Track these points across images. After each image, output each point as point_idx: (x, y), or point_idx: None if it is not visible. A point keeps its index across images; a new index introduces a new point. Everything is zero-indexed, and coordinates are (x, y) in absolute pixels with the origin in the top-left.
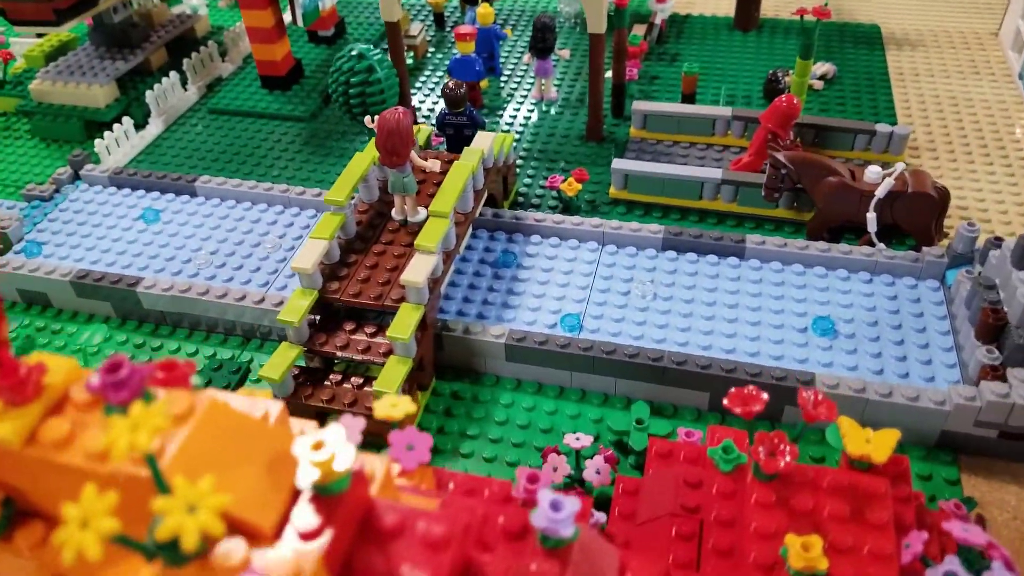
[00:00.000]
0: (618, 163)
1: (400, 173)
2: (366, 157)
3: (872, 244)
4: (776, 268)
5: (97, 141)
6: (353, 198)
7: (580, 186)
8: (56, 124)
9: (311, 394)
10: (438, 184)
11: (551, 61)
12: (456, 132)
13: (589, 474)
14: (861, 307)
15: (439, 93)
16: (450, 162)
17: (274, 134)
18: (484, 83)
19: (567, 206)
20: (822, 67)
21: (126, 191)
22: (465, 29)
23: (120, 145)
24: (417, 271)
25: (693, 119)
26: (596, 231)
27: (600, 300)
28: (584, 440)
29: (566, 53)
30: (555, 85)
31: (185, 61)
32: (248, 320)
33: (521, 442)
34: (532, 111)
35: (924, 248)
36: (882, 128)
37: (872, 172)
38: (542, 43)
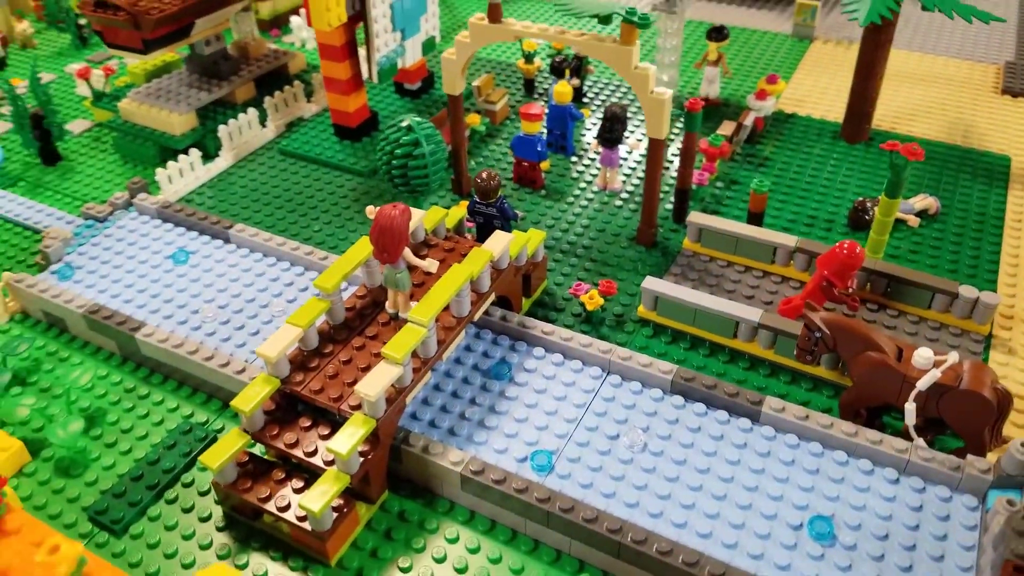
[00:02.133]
0: (649, 282)
1: (394, 269)
2: (365, 246)
3: (909, 438)
4: (790, 442)
5: (159, 170)
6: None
7: (603, 300)
8: (135, 145)
9: (250, 488)
10: None
11: (619, 152)
12: (486, 221)
13: None
14: (875, 512)
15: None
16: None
17: (331, 184)
18: (546, 164)
19: (589, 317)
20: (923, 200)
21: (169, 226)
22: (533, 109)
23: (184, 176)
24: (373, 383)
25: (752, 243)
26: (603, 357)
27: (583, 439)
28: None
29: (640, 147)
30: (623, 176)
31: (267, 99)
32: (228, 388)
33: None
34: (591, 200)
35: (969, 456)
36: (967, 291)
37: (921, 356)
38: (609, 133)
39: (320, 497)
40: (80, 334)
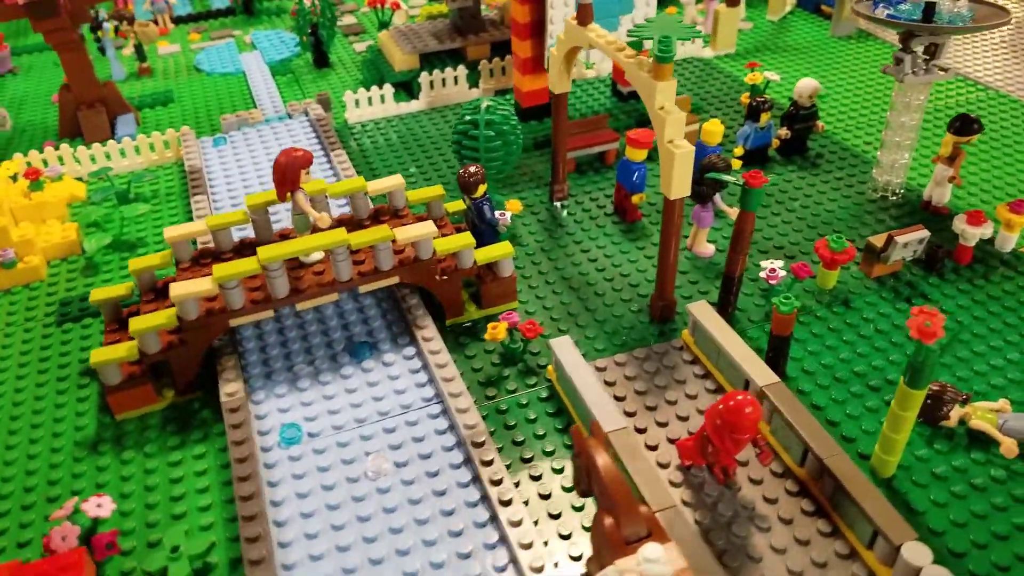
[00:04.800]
0: (561, 347)
1: (295, 210)
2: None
3: None
4: None
5: (348, 92)
6: None
7: (506, 335)
8: (369, 71)
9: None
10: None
11: (711, 211)
12: (470, 218)
13: None
14: None
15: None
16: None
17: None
18: (637, 198)
19: (510, 353)
20: None
21: (312, 136)
22: (638, 134)
23: (372, 105)
24: (185, 286)
25: (728, 365)
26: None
27: (345, 440)
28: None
29: (733, 213)
30: (712, 242)
31: (483, 62)
32: None
33: None
34: (642, 249)
35: None
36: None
37: (646, 555)
38: (698, 186)
39: (109, 352)
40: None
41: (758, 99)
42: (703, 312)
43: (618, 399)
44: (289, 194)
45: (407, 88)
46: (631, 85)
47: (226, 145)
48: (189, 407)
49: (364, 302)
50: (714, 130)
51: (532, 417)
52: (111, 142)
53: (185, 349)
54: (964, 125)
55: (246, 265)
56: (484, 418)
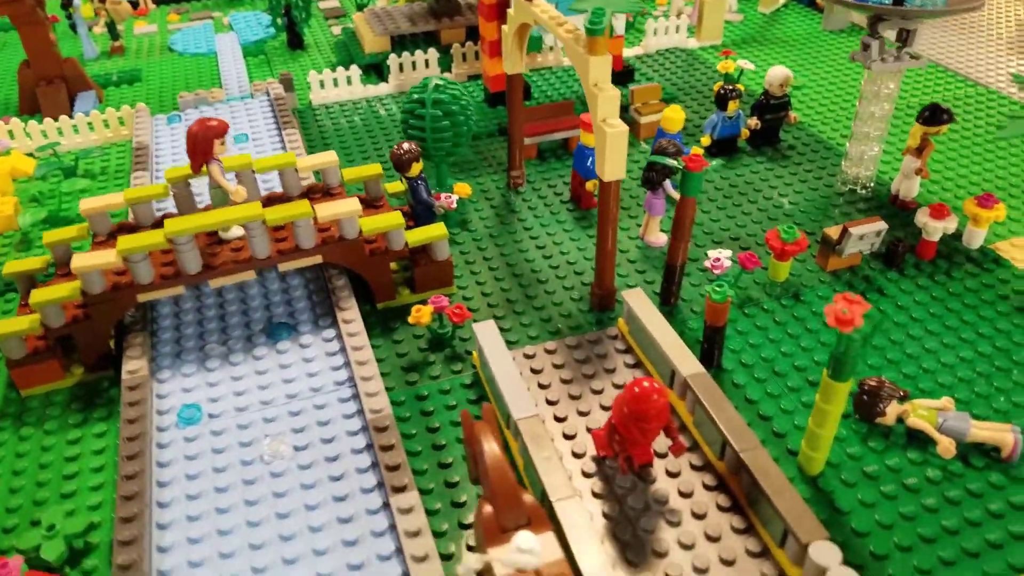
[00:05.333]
0: (483, 331)
1: (211, 184)
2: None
3: None
4: None
5: (312, 72)
6: None
7: (430, 319)
8: (342, 53)
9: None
10: None
11: (663, 198)
12: (408, 199)
13: None
14: None
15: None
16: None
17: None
18: (592, 184)
19: (439, 339)
20: None
21: (269, 116)
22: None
23: (337, 87)
24: (86, 257)
25: (659, 356)
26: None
27: (246, 422)
28: None
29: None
30: (665, 231)
31: (455, 46)
32: None
33: None
34: (624, 250)
35: None
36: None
37: (519, 544)
38: (648, 171)
39: (10, 324)
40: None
41: (726, 87)
42: (637, 300)
43: (542, 387)
44: (205, 167)
45: (379, 71)
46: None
47: (180, 123)
48: (98, 385)
49: (291, 282)
50: (674, 116)
51: (452, 404)
52: (63, 118)
53: (91, 324)
54: (933, 115)
55: (152, 238)
56: (401, 404)
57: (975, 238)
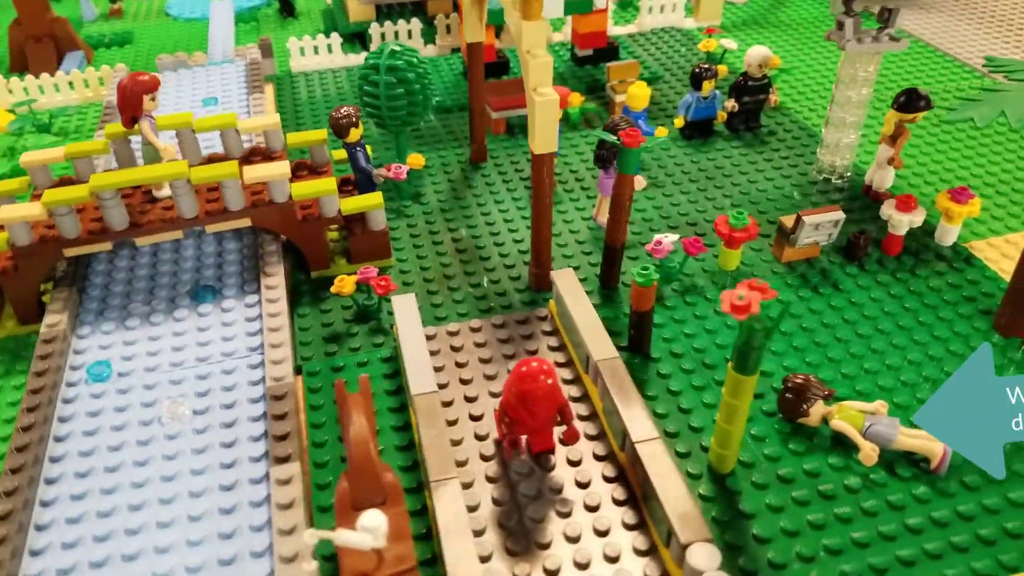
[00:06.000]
0: (402, 304)
1: (143, 140)
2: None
3: None
4: None
5: (292, 39)
6: None
7: (353, 289)
8: (328, 21)
9: None
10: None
11: (615, 177)
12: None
13: None
14: None
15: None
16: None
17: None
18: None
19: (364, 311)
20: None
21: (242, 79)
22: None
23: (318, 54)
24: (9, 208)
25: (575, 339)
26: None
27: (151, 382)
28: None
29: (640, 180)
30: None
31: (440, 17)
32: None
33: None
34: (575, 231)
35: None
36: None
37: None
38: (600, 149)
39: None
40: None
41: (701, 65)
42: (565, 280)
43: (459, 365)
44: (137, 124)
45: (363, 40)
46: (587, 49)
47: None
48: (28, 339)
49: (227, 246)
50: (639, 94)
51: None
52: (44, 75)
53: (19, 276)
54: (909, 100)
55: (76, 192)
56: (316, 374)
57: (948, 235)
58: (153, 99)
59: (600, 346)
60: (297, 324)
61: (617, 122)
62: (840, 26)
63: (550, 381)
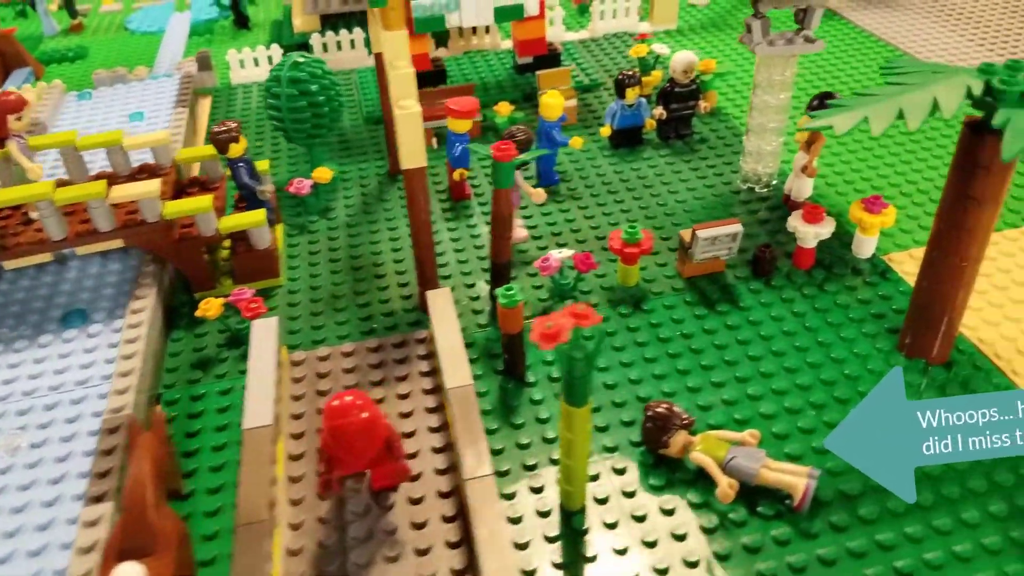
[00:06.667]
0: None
1: (12, 161)
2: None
3: None
4: None
5: (231, 51)
6: None
7: (219, 311)
8: (274, 30)
9: None
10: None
11: (516, 190)
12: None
13: None
14: None
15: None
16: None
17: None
18: (458, 173)
19: (236, 335)
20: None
21: (173, 93)
22: (459, 103)
23: (258, 66)
24: None
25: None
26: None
27: None
28: None
29: (540, 193)
30: (527, 225)
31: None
32: None
33: None
34: (480, 246)
35: None
36: None
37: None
38: None
39: None
40: None
41: (624, 73)
42: (438, 301)
43: (320, 393)
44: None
45: (308, 50)
46: (527, 56)
47: (90, 100)
48: None
49: (110, 267)
50: (552, 103)
51: (224, 407)
52: None
53: None
54: (822, 105)
55: None
56: (174, 403)
57: (864, 246)
58: (19, 119)
59: (454, 372)
60: (169, 349)
61: (514, 132)
62: (749, 29)
63: (365, 415)
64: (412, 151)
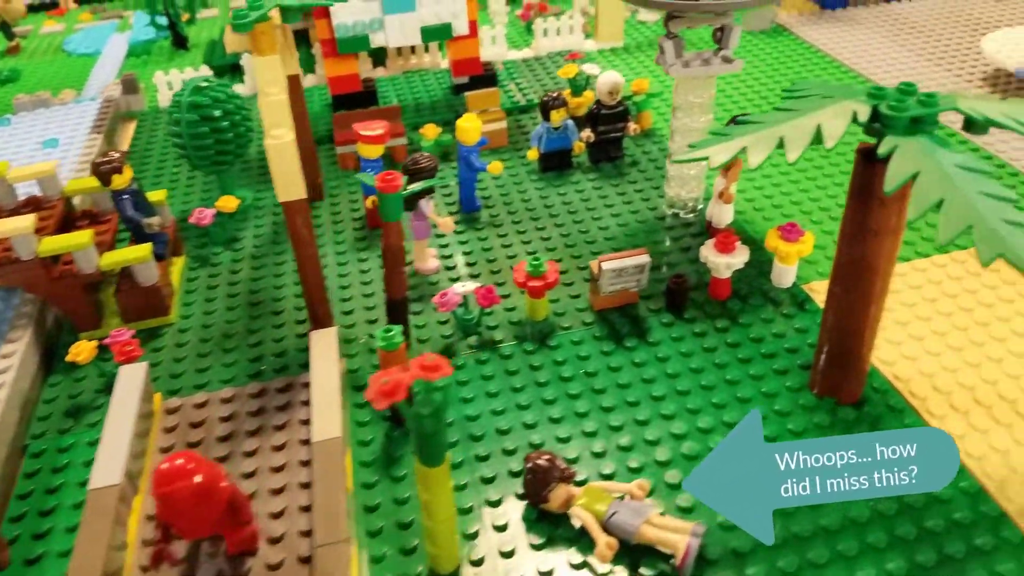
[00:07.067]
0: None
1: None
2: None
3: None
4: None
5: (158, 73)
6: None
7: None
8: (208, 51)
9: None
10: None
11: (425, 220)
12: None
13: None
14: None
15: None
16: None
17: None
18: (370, 201)
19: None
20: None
21: (90, 119)
22: (368, 127)
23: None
24: None
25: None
26: None
27: None
28: None
29: (448, 223)
30: (441, 255)
31: (318, 46)
32: None
33: None
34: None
35: None
36: None
37: None
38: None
39: None
40: None
41: (549, 95)
42: (321, 343)
43: (191, 445)
44: None
45: (240, 71)
46: (462, 76)
47: (8, 126)
48: None
49: (12, 301)
50: (469, 127)
51: (91, 460)
52: None
53: None
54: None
55: None
56: (39, 455)
57: (784, 276)
58: None
59: (323, 423)
60: (44, 395)
61: (418, 159)
62: (662, 50)
63: (198, 479)
64: (288, 183)
